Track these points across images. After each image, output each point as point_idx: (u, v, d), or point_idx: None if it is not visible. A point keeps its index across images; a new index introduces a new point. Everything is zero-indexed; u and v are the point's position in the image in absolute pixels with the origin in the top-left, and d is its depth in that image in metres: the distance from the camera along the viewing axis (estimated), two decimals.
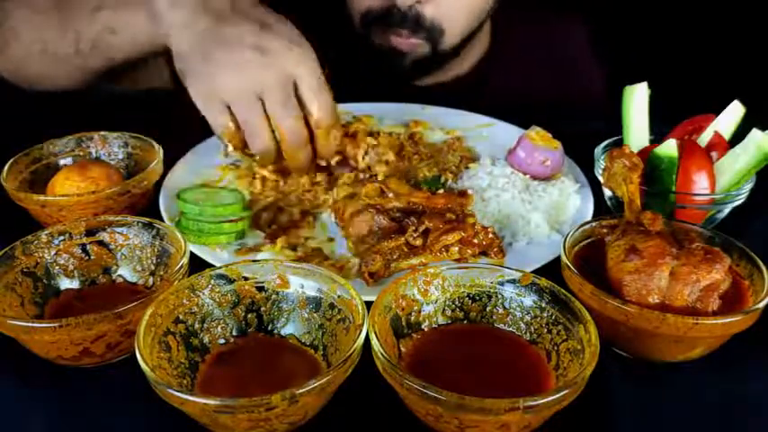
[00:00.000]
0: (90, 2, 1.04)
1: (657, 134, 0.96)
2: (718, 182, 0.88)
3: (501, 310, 0.70)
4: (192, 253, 0.77)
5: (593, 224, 0.79)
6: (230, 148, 0.96)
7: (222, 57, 0.89)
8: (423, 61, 1.31)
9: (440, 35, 1.27)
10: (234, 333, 0.69)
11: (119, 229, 0.79)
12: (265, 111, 0.91)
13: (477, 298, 0.71)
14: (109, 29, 1.02)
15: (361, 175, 1.04)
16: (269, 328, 0.70)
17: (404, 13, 1.23)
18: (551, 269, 0.78)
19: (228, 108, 0.91)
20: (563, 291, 0.67)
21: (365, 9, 1.28)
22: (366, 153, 1.06)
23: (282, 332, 0.70)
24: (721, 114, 0.94)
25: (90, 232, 0.78)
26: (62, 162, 0.99)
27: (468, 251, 0.84)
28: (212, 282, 0.69)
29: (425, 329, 0.70)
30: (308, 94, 0.92)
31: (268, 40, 0.90)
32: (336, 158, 1.02)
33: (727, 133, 0.93)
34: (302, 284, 0.70)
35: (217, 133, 0.95)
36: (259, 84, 0.89)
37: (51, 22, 1.07)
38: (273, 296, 0.70)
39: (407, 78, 1.37)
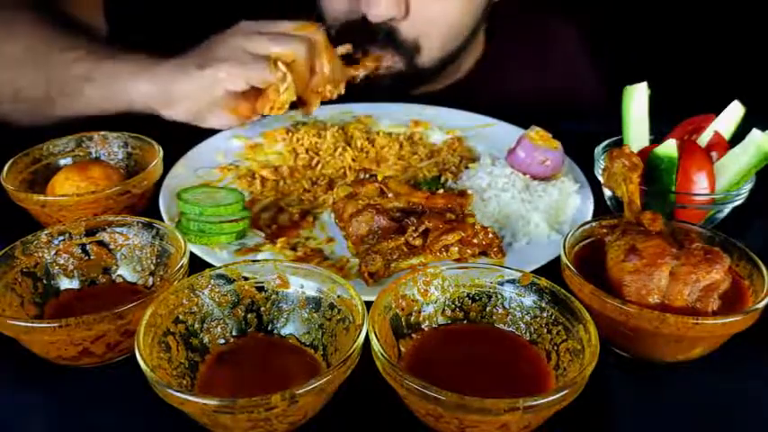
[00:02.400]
0: (68, 54, 1.07)
1: (657, 134, 0.96)
2: (718, 182, 0.88)
3: (501, 310, 0.70)
4: (191, 253, 0.77)
5: (593, 224, 0.79)
6: (288, 75, 1.01)
7: (211, 45, 1.03)
8: (401, 78, 1.25)
9: (416, 51, 1.22)
10: (234, 333, 0.69)
11: (119, 229, 0.79)
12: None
13: (477, 298, 0.71)
14: (85, 77, 1.05)
15: (361, 175, 1.04)
16: (269, 328, 0.70)
17: (375, 28, 1.17)
18: (551, 269, 0.78)
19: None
20: (563, 291, 0.67)
21: (338, 23, 1.22)
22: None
23: (282, 332, 0.70)
24: (721, 114, 0.94)
25: (90, 232, 0.78)
26: (62, 162, 0.99)
27: (468, 251, 0.84)
28: (212, 282, 0.69)
29: (425, 329, 0.70)
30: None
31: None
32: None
33: (727, 133, 0.93)
34: (302, 284, 0.70)
35: (261, 76, 1.01)
36: (255, 25, 1.03)
37: (22, 71, 1.10)
38: (273, 296, 0.70)
39: (388, 96, 1.31)
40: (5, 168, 0.91)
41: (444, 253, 0.84)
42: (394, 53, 1.21)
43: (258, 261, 0.74)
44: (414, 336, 0.69)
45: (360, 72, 1.15)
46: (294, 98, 1.04)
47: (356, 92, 1.19)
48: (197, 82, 1.01)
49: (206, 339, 0.67)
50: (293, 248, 0.88)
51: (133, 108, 1.05)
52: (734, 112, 0.93)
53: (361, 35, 1.19)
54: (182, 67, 1.02)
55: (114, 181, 0.92)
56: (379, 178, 0.95)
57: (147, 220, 0.79)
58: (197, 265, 0.78)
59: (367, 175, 1.03)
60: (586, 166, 1.01)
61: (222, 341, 0.68)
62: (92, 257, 0.78)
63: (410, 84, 1.31)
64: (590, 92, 1.46)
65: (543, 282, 0.68)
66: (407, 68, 1.24)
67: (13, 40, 1.12)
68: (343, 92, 1.12)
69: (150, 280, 0.78)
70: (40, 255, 0.76)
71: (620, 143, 0.97)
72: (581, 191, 0.98)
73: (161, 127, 1.04)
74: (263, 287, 0.70)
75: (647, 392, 0.69)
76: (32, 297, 0.74)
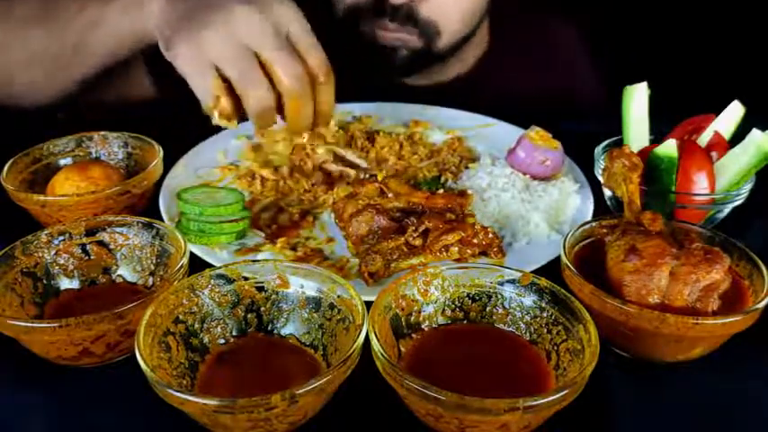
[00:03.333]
0: (70, 7, 1.03)
1: (657, 134, 0.96)
2: (718, 182, 0.88)
3: (501, 310, 0.70)
4: (191, 253, 0.77)
5: (593, 224, 0.79)
6: (216, 115, 0.88)
7: (209, 16, 0.86)
8: (416, 58, 1.28)
9: (435, 34, 1.25)
10: (234, 333, 0.69)
11: (119, 229, 0.79)
12: (260, 64, 0.86)
13: (477, 298, 0.71)
14: (92, 23, 1.01)
15: (362, 175, 1.04)
16: (269, 328, 0.70)
17: (395, 9, 1.20)
18: (551, 269, 0.78)
19: (217, 71, 0.86)
20: (563, 291, 0.67)
21: (352, 3, 1.24)
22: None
23: (282, 332, 0.70)
24: (721, 114, 0.94)
25: (90, 232, 0.78)
26: (62, 162, 0.99)
27: (468, 251, 0.84)
28: (212, 282, 0.69)
29: (425, 329, 0.70)
30: (303, 44, 0.88)
31: None
32: (332, 122, 0.98)
33: (727, 133, 0.93)
34: (302, 284, 0.70)
35: (204, 100, 0.89)
36: (252, 35, 0.85)
37: (36, 32, 1.06)
38: (273, 296, 0.70)
39: (399, 75, 1.35)
40: (5, 168, 0.91)
41: (444, 253, 0.84)
42: (413, 32, 1.23)
43: (258, 261, 0.74)
44: (414, 336, 0.69)
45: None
46: (233, 126, 0.92)
47: (354, 90, 1.18)
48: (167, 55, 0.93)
49: (206, 339, 0.67)
50: (293, 248, 0.88)
51: (144, 40, 0.98)
52: (734, 112, 0.93)
53: (379, 13, 1.21)
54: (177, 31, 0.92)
55: (114, 181, 0.92)
56: (379, 178, 0.95)
57: (147, 220, 0.79)
58: (197, 265, 0.78)
59: (367, 175, 1.03)
60: (586, 166, 1.01)
61: (222, 341, 0.68)
62: (92, 257, 0.78)
63: (421, 66, 1.32)
64: (590, 92, 1.46)
65: (543, 282, 0.68)
66: (425, 49, 1.26)
67: (23, 2, 1.09)
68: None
69: (150, 280, 0.78)
70: (40, 255, 0.76)
71: (620, 143, 0.97)
72: (581, 191, 0.98)
73: (161, 127, 1.04)
74: (263, 287, 0.70)
75: (647, 392, 0.69)
76: (32, 297, 0.74)
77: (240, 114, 0.91)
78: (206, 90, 0.87)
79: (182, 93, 0.91)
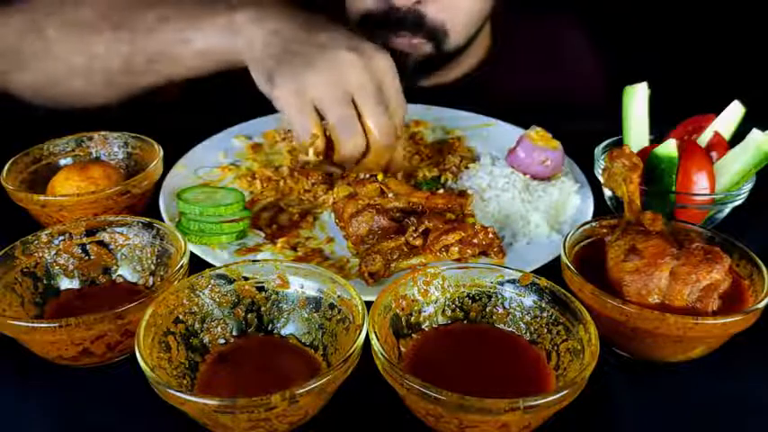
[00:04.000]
0: (147, 16, 1.02)
1: (657, 134, 0.96)
2: (718, 182, 0.88)
3: (501, 310, 0.70)
4: (191, 253, 0.77)
5: (594, 224, 0.79)
6: (311, 153, 0.95)
7: (317, 56, 0.90)
8: (427, 61, 1.29)
9: (443, 36, 1.25)
10: (234, 333, 0.69)
11: (119, 229, 0.79)
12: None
13: (477, 298, 0.71)
14: (180, 38, 1.00)
15: (362, 175, 1.03)
16: (269, 328, 0.70)
17: (403, 14, 1.20)
18: (551, 269, 0.78)
19: (316, 111, 0.91)
20: (563, 291, 0.67)
21: (364, 11, 1.25)
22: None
23: (282, 332, 0.70)
24: (721, 114, 0.94)
25: (90, 232, 0.79)
26: (62, 162, 0.99)
27: (468, 251, 0.84)
28: (212, 282, 0.69)
29: (425, 329, 0.70)
30: (394, 102, 0.93)
31: (361, 42, 0.91)
32: (401, 173, 1.03)
33: (727, 133, 0.93)
34: (302, 284, 0.70)
35: (301, 137, 0.94)
36: (354, 84, 0.90)
37: (100, 37, 1.04)
38: (273, 296, 0.70)
39: (412, 79, 1.34)
40: (5, 168, 0.91)
41: (444, 253, 0.84)
42: (423, 38, 1.24)
43: (258, 261, 0.74)
44: (414, 336, 0.69)
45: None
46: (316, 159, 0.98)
47: None
48: (264, 89, 0.96)
49: (206, 339, 0.67)
50: (293, 248, 0.88)
51: (232, 63, 1.00)
52: (734, 112, 0.93)
53: (388, 23, 1.22)
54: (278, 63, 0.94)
55: (114, 181, 0.92)
56: (379, 178, 0.95)
57: (147, 220, 0.79)
58: (197, 265, 0.78)
59: (367, 175, 1.03)
60: (586, 166, 1.01)
61: (222, 341, 0.68)
62: (92, 257, 0.78)
63: (432, 69, 1.33)
64: (590, 92, 1.46)
65: (543, 282, 0.68)
66: (436, 52, 1.27)
67: (86, 4, 1.07)
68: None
69: (150, 280, 0.78)
70: (40, 255, 0.76)
71: (620, 143, 0.97)
72: (581, 191, 0.98)
73: (161, 127, 1.04)
74: (263, 287, 0.70)
75: (647, 392, 0.69)
76: (33, 297, 0.74)
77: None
78: (305, 128, 0.93)
79: (205, 101, 0.93)
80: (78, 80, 1.08)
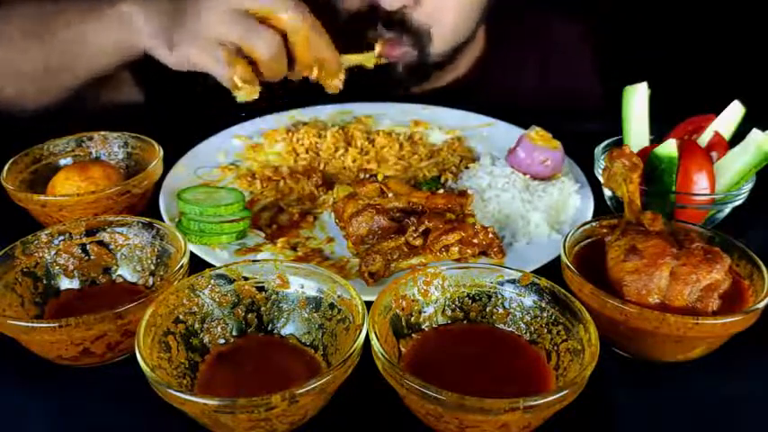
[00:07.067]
0: (58, 21, 1.07)
1: (657, 134, 0.96)
2: (718, 182, 0.88)
3: (501, 310, 0.70)
4: (192, 253, 0.77)
5: (594, 224, 0.79)
6: (239, 83, 0.92)
7: (202, 3, 0.93)
8: (414, 69, 1.27)
9: (429, 40, 1.23)
10: (234, 333, 0.69)
11: (119, 229, 0.79)
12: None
13: (477, 298, 0.71)
14: (77, 40, 1.05)
15: (362, 175, 1.04)
16: (269, 328, 0.70)
17: (389, 15, 1.19)
18: (551, 269, 0.78)
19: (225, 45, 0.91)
20: (563, 291, 0.67)
21: (353, 11, 1.24)
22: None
23: (282, 332, 0.70)
24: (721, 114, 0.94)
25: (90, 232, 0.79)
26: (62, 162, 0.99)
27: (468, 251, 0.84)
28: (212, 282, 0.69)
29: (425, 329, 0.70)
30: None
31: None
32: (341, 75, 1.01)
33: (727, 133, 0.93)
34: (302, 284, 0.70)
35: (223, 76, 0.94)
36: (243, 2, 0.91)
37: (31, 44, 1.09)
38: (273, 296, 0.70)
39: (401, 87, 1.34)
40: (5, 168, 0.91)
41: (444, 253, 0.84)
42: (407, 42, 1.22)
43: (258, 261, 0.74)
44: (414, 336, 0.69)
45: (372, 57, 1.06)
46: (255, 94, 0.97)
47: (359, 90, 1.18)
48: (172, 59, 1.00)
49: (206, 339, 0.67)
50: (293, 248, 0.88)
51: (133, 52, 1.04)
52: (734, 112, 0.94)
53: (374, 24, 1.21)
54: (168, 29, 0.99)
55: (114, 181, 0.92)
56: (379, 178, 0.95)
57: (147, 220, 0.79)
58: (197, 265, 0.78)
59: (367, 175, 1.03)
60: (586, 166, 1.01)
61: (222, 341, 0.68)
62: (92, 257, 0.78)
63: (420, 77, 1.32)
64: (590, 92, 1.46)
65: (543, 282, 0.68)
66: (420, 58, 1.26)
67: (8, 21, 1.12)
68: (341, 82, 1.04)
69: (150, 280, 0.78)
70: (40, 255, 0.76)
71: (620, 143, 0.97)
72: (581, 191, 0.98)
73: (161, 127, 1.04)
74: (263, 287, 0.70)
75: (647, 392, 0.69)
76: (33, 297, 0.74)
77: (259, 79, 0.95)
78: (219, 60, 0.92)
79: (171, 96, 0.94)
80: (9, 88, 1.13)
